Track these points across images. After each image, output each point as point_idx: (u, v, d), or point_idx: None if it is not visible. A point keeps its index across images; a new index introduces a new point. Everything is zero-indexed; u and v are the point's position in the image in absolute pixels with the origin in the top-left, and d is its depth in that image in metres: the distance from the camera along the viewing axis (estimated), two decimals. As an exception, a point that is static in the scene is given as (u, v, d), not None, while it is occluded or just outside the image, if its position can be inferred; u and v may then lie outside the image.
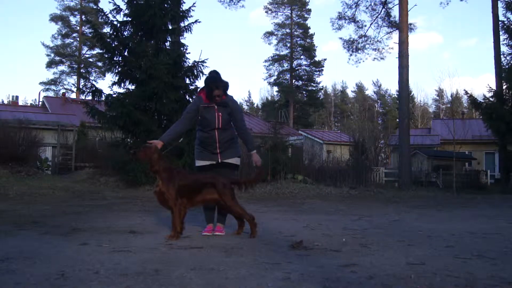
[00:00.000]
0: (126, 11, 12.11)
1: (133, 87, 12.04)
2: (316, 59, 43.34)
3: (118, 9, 12.04)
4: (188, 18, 12.54)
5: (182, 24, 12.60)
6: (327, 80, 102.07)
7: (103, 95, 11.78)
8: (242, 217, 4.14)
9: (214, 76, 4.20)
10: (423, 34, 78.41)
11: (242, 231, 4.22)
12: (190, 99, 12.22)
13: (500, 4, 17.05)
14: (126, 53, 12.07)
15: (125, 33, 12.27)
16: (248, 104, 62.79)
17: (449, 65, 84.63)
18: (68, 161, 15.59)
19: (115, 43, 12.07)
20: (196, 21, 12.51)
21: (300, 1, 42.64)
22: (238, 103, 4.47)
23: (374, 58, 22.92)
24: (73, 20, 39.79)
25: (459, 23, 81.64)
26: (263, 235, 4.17)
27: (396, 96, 37.42)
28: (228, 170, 4.32)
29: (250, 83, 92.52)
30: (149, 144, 4.10)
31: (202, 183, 4.01)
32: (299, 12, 43.36)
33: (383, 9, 20.21)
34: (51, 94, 37.75)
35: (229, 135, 4.28)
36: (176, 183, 3.90)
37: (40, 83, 42.07)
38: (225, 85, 4.20)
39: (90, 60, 39.80)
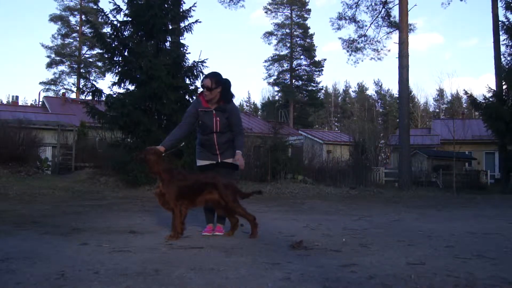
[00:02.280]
0: (126, 11, 12.11)
1: (133, 87, 12.04)
2: (316, 59, 43.39)
3: (118, 9, 12.04)
4: (188, 18, 12.56)
5: (182, 24, 12.61)
6: (327, 80, 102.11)
7: (103, 95, 11.78)
8: (244, 218, 4.14)
9: (214, 71, 4.23)
10: (424, 34, 78.49)
11: (233, 233, 4.20)
12: (190, 99, 12.21)
13: (500, 4, 17.08)
14: (126, 53, 12.07)
15: (125, 33, 12.27)
16: (248, 104, 62.82)
17: (450, 65, 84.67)
18: (68, 161, 15.57)
19: (115, 43, 12.07)
20: (196, 21, 12.51)
21: (300, 1, 42.66)
22: (238, 109, 4.40)
23: (372, 58, 22.84)
24: (73, 20, 39.85)
25: (460, 24, 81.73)
26: (263, 235, 4.17)
27: (397, 96, 37.43)
28: (229, 170, 4.32)
29: (250, 83, 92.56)
30: (149, 147, 4.11)
31: (203, 183, 4.01)
32: (299, 12, 43.40)
33: (383, 9, 20.24)
34: (51, 94, 37.78)
35: (228, 137, 4.25)
36: (176, 184, 3.90)
37: (40, 83, 42.14)
38: (221, 83, 4.13)
39: (90, 60, 39.83)
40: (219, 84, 4.11)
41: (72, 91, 39.24)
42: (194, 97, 12.29)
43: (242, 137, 4.28)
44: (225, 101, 4.18)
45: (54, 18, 39.08)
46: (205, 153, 4.31)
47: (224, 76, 4.24)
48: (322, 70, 43.91)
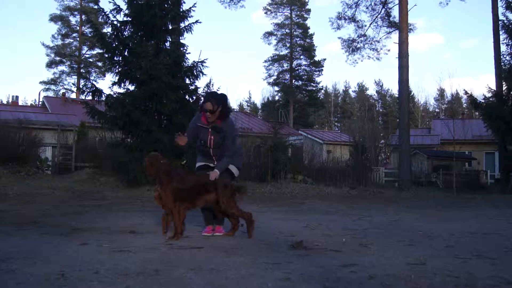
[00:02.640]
0: (127, 11, 12.09)
1: (133, 87, 12.03)
2: (316, 59, 43.39)
3: (118, 9, 12.02)
4: (189, 18, 12.54)
5: (182, 24, 12.59)
6: (327, 80, 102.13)
7: (103, 95, 11.77)
8: (241, 218, 4.14)
9: (212, 92, 4.37)
10: (424, 35, 78.42)
11: (233, 234, 4.22)
12: (190, 99, 12.21)
13: (500, 4, 17.07)
14: (126, 53, 12.05)
15: (125, 33, 12.26)
16: (248, 104, 62.84)
17: (450, 65, 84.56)
18: (68, 161, 15.56)
19: (115, 43, 12.05)
20: (196, 21, 12.50)
21: (300, 1, 42.67)
22: (234, 129, 4.52)
23: (370, 57, 22.75)
24: (73, 20, 39.81)
25: (460, 24, 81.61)
26: (263, 235, 4.18)
27: (397, 96, 37.45)
28: (224, 174, 4.33)
29: (251, 83, 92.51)
30: (152, 153, 4.18)
31: (202, 184, 4.03)
32: (298, 12, 43.38)
33: (383, 9, 20.23)
34: (51, 94, 37.74)
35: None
36: (175, 186, 3.91)
37: (40, 82, 42.13)
38: (220, 101, 4.22)
39: (90, 60, 39.81)
40: (219, 103, 4.23)
41: (72, 91, 39.24)
42: (194, 97, 12.29)
43: (227, 160, 4.32)
44: (223, 118, 4.29)
45: (54, 18, 39.06)
46: (202, 157, 4.46)
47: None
48: (322, 70, 43.90)
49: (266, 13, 43.74)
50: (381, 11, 20.31)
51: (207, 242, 3.81)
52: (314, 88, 44.63)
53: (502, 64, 16.67)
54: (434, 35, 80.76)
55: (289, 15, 43.30)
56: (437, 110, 58.23)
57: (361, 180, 14.29)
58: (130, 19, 12.14)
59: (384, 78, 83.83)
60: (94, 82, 12.29)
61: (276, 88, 46.33)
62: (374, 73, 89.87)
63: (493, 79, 17.61)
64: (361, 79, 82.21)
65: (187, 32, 12.53)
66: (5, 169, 11.48)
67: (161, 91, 11.14)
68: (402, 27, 16.21)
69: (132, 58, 11.73)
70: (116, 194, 10.04)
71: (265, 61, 44.11)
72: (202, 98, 4.38)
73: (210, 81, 12.28)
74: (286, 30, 43.44)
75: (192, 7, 12.53)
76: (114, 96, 11.82)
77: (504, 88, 16.19)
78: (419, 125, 46.39)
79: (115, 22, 12.06)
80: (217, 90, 12.42)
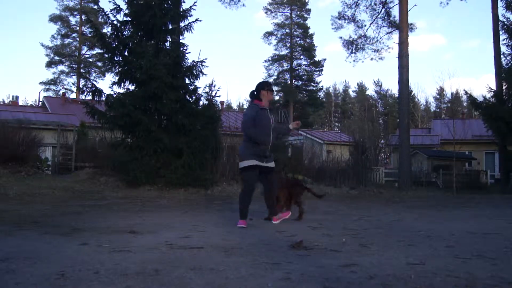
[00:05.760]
0: (126, 11, 12.08)
1: (133, 87, 12.02)
2: (316, 59, 43.42)
3: (118, 9, 12.01)
4: (189, 17, 12.53)
5: (182, 24, 12.58)
6: (328, 80, 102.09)
7: (103, 95, 11.76)
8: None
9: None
10: (426, 35, 78.45)
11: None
12: (190, 99, 12.19)
13: (500, 4, 17.07)
14: (126, 53, 12.05)
15: (125, 33, 12.25)
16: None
17: (452, 66, 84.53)
18: (68, 161, 15.55)
19: (115, 43, 12.04)
20: (196, 20, 12.49)
21: (300, 1, 42.70)
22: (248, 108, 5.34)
23: (372, 58, 22.77)
24: (72, 20, 39.90)
25: (462, 25, 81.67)
26: (263, 235, 4.17)
27: (397, 96, 37.42)
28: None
29: (251, 83, 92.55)
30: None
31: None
32: (298, 12, 43.45)
33: (383, 9, 20.24)
34: (51, 94, 37.80)
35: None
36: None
37: (40, 83, 42.16)
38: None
39: (90, 60, 39.85)
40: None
41: (72, 91, 39.27)
42: (194, 97, 12.25)
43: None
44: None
45: (54, 18, 39.11)
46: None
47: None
48: (322, 70, 44.04)
49: (266, 13, 43.86)
50: (381, 11, 20.33)
51: (207, 242, 3.81)
52: (314, 88, 44.72)
53: (502, 64, 16.67)
54: (435, 35, 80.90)
55: (289, 15, 43.38)
56: (437, 110, 58.22)
57: (361, 180, 14.29)
58: (130, 19, 12.13)
59: (384, 78, 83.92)
60: (94, 82, 12.28)
61: (276, 88, 46.39)
62: (374, 73, 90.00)
63: (493, 79, 17.63)
64: (361, 79, 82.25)
65: (187, 31, 12.51)
66: (5, 169, 11.47)
67: (161, 91, 11.13)
68: (402, 27, 16.22)
69: (132, 58, 11.72)
70: (116, 194, 10.04)
71: (265, 61, 44.24)
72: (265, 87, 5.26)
73: (212, 82, 12.23)
74: (286, 30, 43.50)
75: (193, 6, 12.52)
76: (114, 96, 11.80)
77: (504, 88, 16.20)
78: (419, 125, 46.41)
79: (115, 22, 12.05)
80: (217, 90, 12.42)
